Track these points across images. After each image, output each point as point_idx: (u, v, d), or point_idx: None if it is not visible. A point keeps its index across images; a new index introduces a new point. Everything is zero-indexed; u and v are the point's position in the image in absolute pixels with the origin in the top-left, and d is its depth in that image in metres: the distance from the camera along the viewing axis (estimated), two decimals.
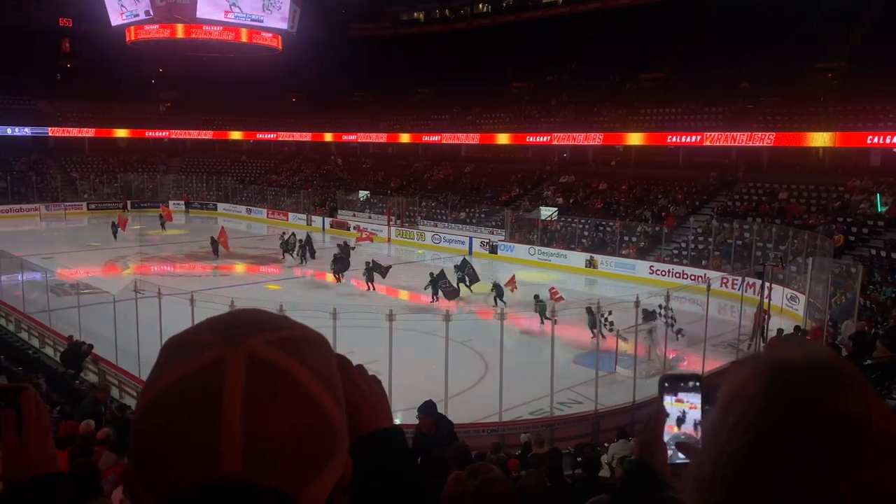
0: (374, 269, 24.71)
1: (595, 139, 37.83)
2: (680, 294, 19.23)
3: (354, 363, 0.95)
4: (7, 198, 43.90)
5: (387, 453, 0.97)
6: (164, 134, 54.27)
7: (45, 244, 33.13)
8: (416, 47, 51.11)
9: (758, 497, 0.67)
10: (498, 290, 22.41)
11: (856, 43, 32.82)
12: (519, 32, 46.37)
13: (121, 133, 52.62)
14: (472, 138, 43.39)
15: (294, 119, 52.17)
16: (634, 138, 36.62)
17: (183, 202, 47.94)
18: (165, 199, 47.71)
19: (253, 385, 0.68)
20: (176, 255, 31.83)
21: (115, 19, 40.10)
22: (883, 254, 23.16)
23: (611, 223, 31.20)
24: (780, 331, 16.91)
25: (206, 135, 54.85)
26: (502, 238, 33.75)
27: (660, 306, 17.23)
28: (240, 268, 30.36)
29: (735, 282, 22.20)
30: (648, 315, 17.31)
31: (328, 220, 40.99)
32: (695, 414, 1.13)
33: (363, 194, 42.60)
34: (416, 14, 56.96)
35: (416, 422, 8.01)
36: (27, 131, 48.61)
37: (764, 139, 31.51)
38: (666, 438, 1.14)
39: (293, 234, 31.57)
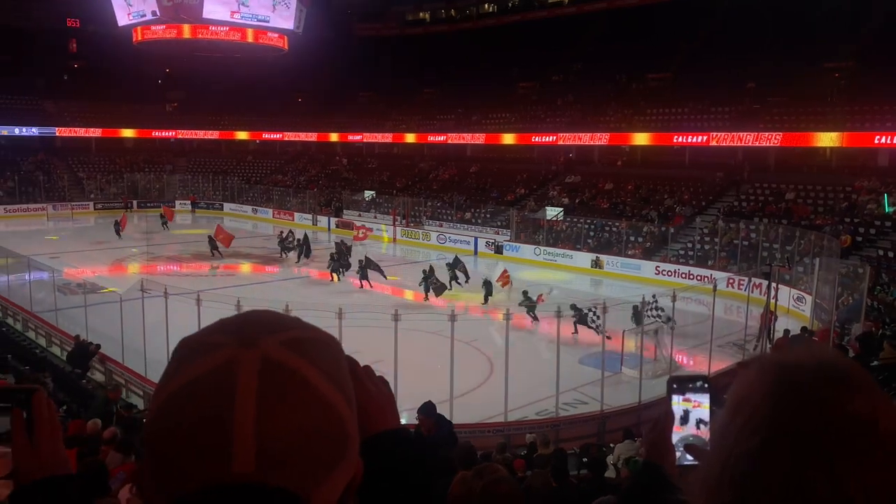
0: (368, 267, 24.90)
1: (601, 139, 37.77)
2: (686, 294, 19.21)
3: (361, 363, 0.95)
4: (15, 197, 44.13)
5: (394, 454, 0.97)
6: (170, 134, 54.44)
7: (52, 243, 33.29)
8: (421, 47, 51.13)
9: (765, 498, 0.67)
10: (487, 288, 22.62)
11: (863, 43, 32.68)
12: (525, 32, 46.33)
13: (127, 133, 52.82)
14: (478, 138, 43.38)
15: (300, 119, 52.26)
16: (640, 138, 36.55)
17: (189, 202, 48.09)
18: (172, 199, 47.91)
19: (265, 386, 0.68)
20: (182, 255, 31.93)
21: (122, 20, 40.23)
22: (890, 254, 23.07)
23: (617, 223, 31.14)
24: (786, 331, 16.86)
25: (213, 135, 55.00)
26: (508, 238, 33.73)
27: (647, 304, 17.33)
28: (245, 267, 30.44)
29: (741, 282, 22.14)
30: (637, 314, 17.55)
31: (334, 220, 41.04)
32: (698, 412, 1.13)
33: (368, 194, 42.64)
34: (421, 14, 56.95)
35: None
36: (34, 131, 48.85)
37: (771, 139, 31.41)
38: (673, 439, 1.14)
39: (290, 232, 31.91)
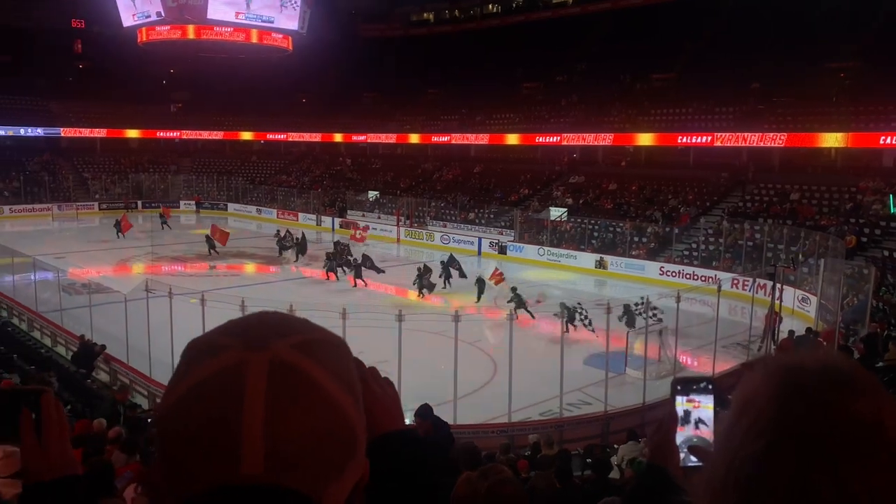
0: (364, 265, 25.21)
1: (605, 139, 37.73)
2: (690, 295, 19.16)
3: (366, 364, 0.96)
4: (20, 198, 44.28)
5: (401, 455, 0.98)
6: (175, 134, 54.55)
7: (56, 244, 33.40)
8: (426, 48, 51.16)
9: (770, 501, 0.68)
10: (480, 286, 22.85)
11: (868, 43, 32.58)
12: (529, 33, 46.32)
13: (132, 133, 52.95)
14: (482, 138, 43.38)
15: (304, 120, 52.33)
16: (645, 139, 36.50)
17: (194, 202, 48.18)
18: (176, 200, 48.03)
19: (274, 388, 0.69)
20: (186, 255, 32.00)
21: (127, 20, 40.40)
22: None
23: (621, 224, 31.10)
24: (791, 332, 16.82)
25: (217, 135, 55.10)
26: (511, 239, 33.72)
27: (636, 304, 17.64)
28: (250, 267, 30.50)
29: (746, 283, 22.09)
30: (629, 314, 17.74)
31: (338, 221, 41.09)
32: (699, 412, 1.14)
33: (372, 195, 42.68)
34: (426, 15, 56.99)
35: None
36: (40, 132, 49.01)
37: (775, 140, 31.34)
38: (677, 441, 1.15)
39: (288, 231, 32.40)
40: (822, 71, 32.52)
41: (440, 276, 24.57)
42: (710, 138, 33.39)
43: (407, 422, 1.24)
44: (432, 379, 14.16)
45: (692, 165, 35.51)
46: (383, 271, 25.66)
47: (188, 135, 54.61)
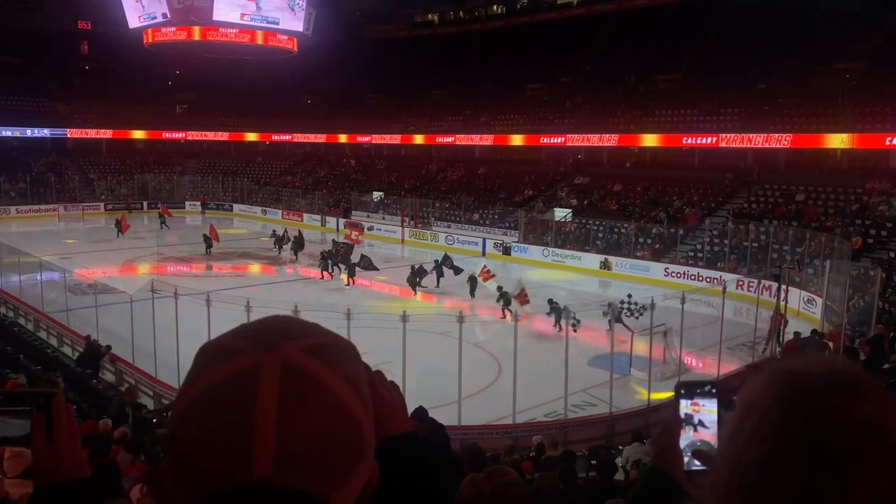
0: (359, 265, 25.74)
1: (610, 140, 37.69)
2: (695, 296, 19.14)
3: (370, 365, 0.97)
4: (27, 198, 44.46)
5: (406, 457, 0.99)
6: (180, 135, 54.69)
7: (62, 244, 33.53)
8: (430, 49, 51.18)
9: None
10: (472, 283, 23.32)
11: (874, 43, 32.49)
12: (533, 34, 46.29)
13: (138, 134, 53.10)
14: (486, 139, 43.38)
15: (309, 121, 52.43)
16: (650, 140, 36.45)
17: (199, 203, 48.29)
18: (182, 200, 48.17)
19: (286, 391, 0.70)
20: (192, 256, 32.07)
21: (133, 22, 40.51)
22: None
23: (625, 225, 31.06)
24: (797, 334, 16.76)
25: (222, 136, 55.21)
26: (516, 239, 33.70)
27: (622, 302, 18.23)
28: (255, 268, 30.57)
29: (751, 284, 22.02)
30: (613, 312, 17.85)
31: (342, 221, 41.14)
32: (700, 416, 1.14)
33: (377, 195, 42.73)
34: (430, 16, 57.02)
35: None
36: (46, 133, 49.19)
37: (781, 141, 31.25)
38: (680, 444, 1.15)
39: (286, 230, 33.03)
40: (828, 72, 32.41)
41: (432, 271, 25.08)
42: (715, 139, 33.32)
43: None
44: (436, 380, 14.15)
45: (697, 166, 35.44)
46: (377, 269, 26.13)
47: (193, 136, 54.74)
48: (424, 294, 24.35)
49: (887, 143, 28.31)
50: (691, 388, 1.15)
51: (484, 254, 33.45)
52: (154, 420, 11.48)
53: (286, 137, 54.23)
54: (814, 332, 16.98)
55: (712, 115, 34.74)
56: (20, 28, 48.68)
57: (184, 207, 47.58)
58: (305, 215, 43.39)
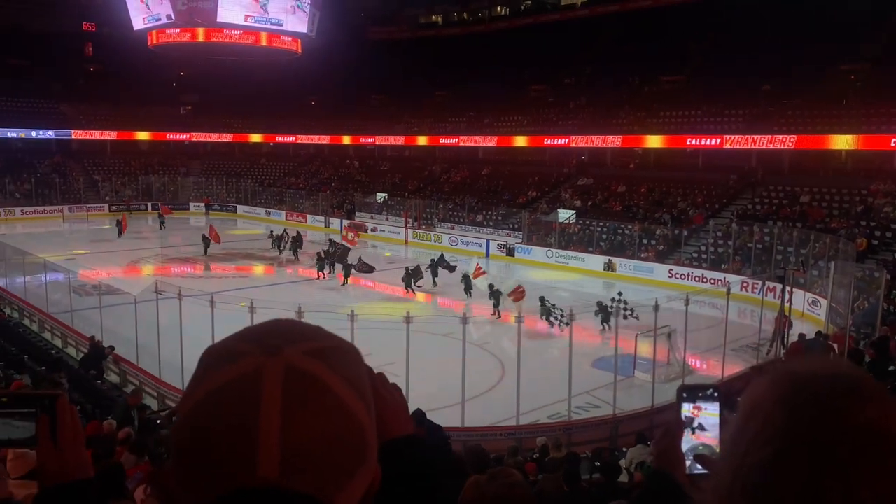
0: (354, 266, 26.22)
1: (614, 142, 37.65)
2: (699, 298, 19.11)
3: (373, 367, 0.97)
4: (31, 199, 44.61)
5: (409, 459, 0.99)
6: (184, 136, 54.81)
7: (67, 245, 33.63)
8: (434, 50, 51.22)
9: None
10: (466, 282, 23.76)
11: (879, 44, 32.41)
12: (537, 35, 46.28)
13: (142, 136, 53.24)
14: (490, 141, 43.37)
15: (313, 122, 52.50)
16: (653, 141, 36.40)
17: (203, 204, 48.40)
18: (186, 202, 48.27)
19: (289, 394, 0.70)
20: (196, 257, 32.13)
21: (138, 23, 40.61)
22: None
23: (629, 226, 31.03)
24: (801, 336, 16.72)
25: (226, 137, 55.33)
26: (519, 241, 33.70)
27: (613, 300, 18.63)
28: (258, 269, 30.62)
29: (755, 286, 21.99)
30: (604, 311, 18.78)
31: (346, 222, 41.17)
32: (701, 419, 1.14)
33: (381, 196, 42.76)
34: (434, 17, 57.07)
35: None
36: (51, 134, 49.35)
37: (785, 142, 31.18)
38: (683, 447, 1.15)
39: (284, 230, 33.39)
40: (833, 73, 32.35)
41: (426, 270, 25.49)
42: (719, 140, 33.27)
43: None
44: (440, 381, 14.16)
45: (701, 167, 35.38)
46: (373, 268, 26.52)
47: (198, 137, 54.86)
48: (420, 294, 24.64)
49: (892, 144, 28.22)
50: (693, 392, 1.15)
51: (488, 255, 33.46)
52: (158, 421, 11.50)
53: (290, 139, 54.31)
54: (818, 333, 16.95)
55: (716, 116, 34.68)
56: (25, 29, 48.92)
57: (188, 208, 47.69)
58: (309, 216, 43.46)
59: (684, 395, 1.15)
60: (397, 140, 48.50)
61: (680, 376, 15.54)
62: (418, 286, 24.79)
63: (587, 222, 32.92)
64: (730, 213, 30.92)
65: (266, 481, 0.68)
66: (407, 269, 25.02)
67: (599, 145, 38.49)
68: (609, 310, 18.99)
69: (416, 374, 12.65)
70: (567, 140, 39.30)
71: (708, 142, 33.85)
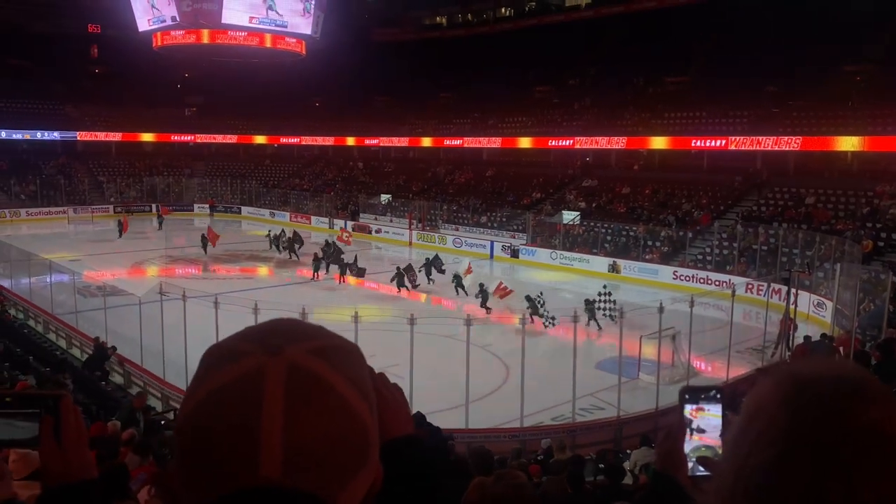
0: (349, 266, 26.76)
1: (618, 143, 37.63)
2: (704, 300, 19.09)
3: (375, 368, 0.97)
4: (36, 201, 44.77)
5: (409, 459, 0.99)
6: (189, 138, 54.96)
7: (72, 247, 33.74)
8: (438, 51, 51.26)
9: None
10: (458, 281, 24.24)
11: (884, 44, 32.32)
12: (541, 36, 46.27)
13: (147, 137, 53.40)
14: (494, 142, 43.39)
15: (317, 123, 52.58)
16: (658, 142, 36.37)
17: (208, 206, 48.51)
18: (191, 203, 48.40)
19: (292, 393, 0.70)
20: (199, 258, 32.21)
21: (143, 25, 40.73)
22: None
23: (634, 228, 30.99)
24: (807, 338, 16.67)
25: (231, 139, 55.47)
26: (524, 242, 33.68)
27: (599, 294, 19.59)
28: (259, 270, 30.67)
29: (760, 288, 21.93)
30: (590, 307, 19.45)
31: (350, 224, 41.21)
32: (700, 420, 1.14)
33: (385, 198, 42.80)
34: (438, 18, 57.12)
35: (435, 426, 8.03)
36: (56, 135, 49.53)
37: (790, 143, 31.11)
38: (685, 449, 1.15)
39: (282, 230, 33.76)
40: (838, 74, 32.28)
41: (420, 270, 25.82)
42: (724, 142, 33.21)
43: None
44: (443, 383, 14.15)
45: (706, 169, 35.33)
46: (365, 270, 26.81)
47: (202, 138, 54.99)
48: (415, 293, 24.92)
49: None
50: (696, 393, 1.15)
51: (492, 256, 33.47)
52: (162, 422, 11.53)
53: (294, 140, 54.42)
54: (823, 335, 16.89)
55: (721, 118, 34.63)
56: (30, 31, 49.12)
57: (192, 210, 47.82)
58: (313, 218, 43.52)
59: (687, 396, 1.15)
60: (401, 141, 48.55)
61: (684, 378, 15.50)
62: (417, 286, 25.04)
63: (591, 224, 32.89)
64: (735, 214, 30.85)
65: (268, 481, 0.67)
66: (398, 268, 25.29)
67: (604, 146, 38.46)
68: (595, 305, 19.67)
69: (418, 375, 12.64)
70: (571, 141, 39.28)
71: (713, 143, 33.80)
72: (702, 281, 26.37)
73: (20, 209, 43.65)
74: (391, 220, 39.92)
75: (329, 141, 52.56)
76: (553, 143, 40.39)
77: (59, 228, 41.11)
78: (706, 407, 1.14)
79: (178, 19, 38.28)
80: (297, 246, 31.99)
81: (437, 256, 27.29)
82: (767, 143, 31.75)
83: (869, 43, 32.46)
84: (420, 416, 8.08)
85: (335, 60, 47.79)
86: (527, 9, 51.78)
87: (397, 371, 11.42)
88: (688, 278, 27.02)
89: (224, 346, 0.76)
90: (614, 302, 19.67)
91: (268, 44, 41.21)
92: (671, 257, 29.07)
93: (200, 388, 0.72)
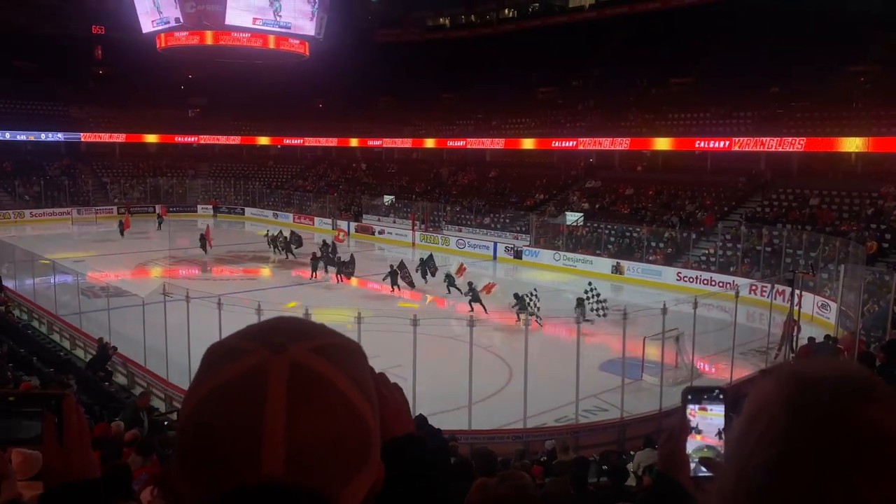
0: (344, 265, 27.06)
1: (622, 144, 37.59)
2: (708, 301, 19.06)
3: (377, 368, 0.97)
4: (41, 202, 44.89)
5: (410, 459, 0.99)
6: (192, 139, 55.05)
7: (75, 247, 33.82)
8: (441, 52, 51.29)
9: None
10: (450, 280, 24.46)
11: (888, 44, 32.23)
12: (545, 37, 46.25)
13: (151, 138, 53.50)
14: (497, 143, 43.39)
15: (320, 125, 52.64)
16: (662, 143, 36.32)
17: (211, 207, 48.59)
18: (194, 204, 48.49)
19: (294, 392, 0.70)
20: (203, 259, 32.26)
21: (146, 26, 40.79)
22: None
23: (637, 229, 30.95)
24: (811, 339, 16.64)
25: (234, 140, 55.56)
26: (527, 243, 33.67)
27: (585, 291, 20.07)
28: (266, 272, 30.71)
29: (764, 289, 21.89)
30: (580, 304, 19.87)
31: (353, 225, 41.26)
32: (700, 420, 1.13)
33: (388, 199, 42.83)
34: (442, 20, 57.15)
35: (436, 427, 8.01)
36: (60, 136, 49.66)
37: (794, 144, 31.03)
38: (688, 449, 1.14)
39: (280, 231, 34.00)
40: (842, 75, 32.20)
41: (415, 271, 26.01)
42: (728, 143, 33.15)
43: None
44: (446, 383, 14.14)
45: (710, 170, 35.27)
46: (352, 273, 27.09)
47: (206, 139, 55.09)
48: (412, 293, 25.02)
49: None
50: (698, 394, 1.15)
51: (495, 258, 33.46)
52: (165, 423, 11.55)
53: (298, 141, 54.49)
54: (827, 337, 16.85)
55: (725, 119, 34.58)
56: (34, 33, 49.23)
57: (196, 211, 47.90)
58: (317, 219, 43.56)
59: (689, 396, 1.15)
60: (405, 142, 48.58)
61: (688, 380, 15.48)
62: (413, 286, 25.14)
63: (595, 225, 32.86)
64: (738, 215, 30.80)
65: (271, 478, 0.67)
66: (391, 266, 25.38)
67: (607, 147, 38.43)
68: (583, 301, 19.90)
69: (420, 377, 12.65)
70: (575, 142, 39.25)
71: (716, 144, 33.74)
72: (705, 282, 26.33)
73: (24, 210, 43.78)
74: (394, 222, 39.94)
75: (332, 142, 52.62)
76: (556, 144, 40.36)
77: (62, 229, 41.21)
78: (709, 407, 1.14)
79: (181, 21, 38.34)
80: (294, 246, 32.10)
81: (430, 256, 27.44)
82: (771, 144, 31.68)
83: (872, 43, 32.37)
84: (422, 419, 8.07)
85: (338, 61, 47.82)
86: (530, 10, 51.77)
87: (400, 372, 11.42)
88: (691, 279, 26.99)
89: (226, 344, 0.76)
90: (603, 299, 20.10)
91: (271, 45, 41.24)
92: (675, 258, 29.03)
93: (202, 386, 0.72)
